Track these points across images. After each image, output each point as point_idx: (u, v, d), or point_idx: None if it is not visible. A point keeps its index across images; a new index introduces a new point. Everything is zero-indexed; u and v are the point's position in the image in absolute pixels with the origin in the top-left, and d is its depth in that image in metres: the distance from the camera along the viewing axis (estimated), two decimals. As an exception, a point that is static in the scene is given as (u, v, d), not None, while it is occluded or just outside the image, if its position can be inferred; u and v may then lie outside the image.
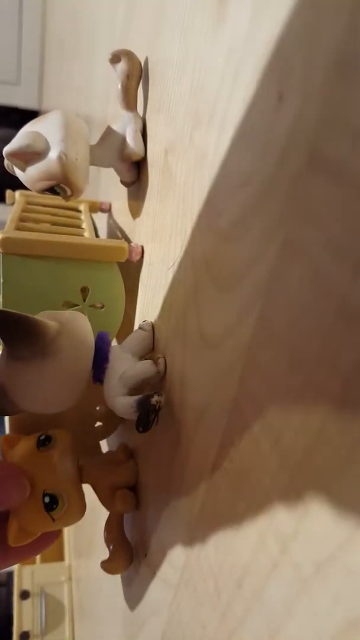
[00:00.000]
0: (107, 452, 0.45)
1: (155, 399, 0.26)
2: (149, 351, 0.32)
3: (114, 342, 0.38)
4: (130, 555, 0.42)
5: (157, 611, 0.33)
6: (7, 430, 0.41)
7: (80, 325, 0.27)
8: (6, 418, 0.40)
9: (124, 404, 0.28)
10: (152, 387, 0.31)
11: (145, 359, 0.30)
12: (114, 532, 0.42)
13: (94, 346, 0.28)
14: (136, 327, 0.38)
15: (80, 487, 0.39)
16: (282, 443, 0.16)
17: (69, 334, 0.25)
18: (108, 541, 0.42)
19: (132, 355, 0.30)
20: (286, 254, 0.16)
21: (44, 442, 0.37)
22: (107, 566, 0.41)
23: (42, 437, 0.37)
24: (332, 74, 0.13)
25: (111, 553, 0.42)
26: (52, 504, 0.36)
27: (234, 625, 0.20)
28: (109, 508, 0.42)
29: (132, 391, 0.28)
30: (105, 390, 0.29)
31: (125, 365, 0.29)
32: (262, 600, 0.17)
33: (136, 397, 0.27)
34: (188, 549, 0.25)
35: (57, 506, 0.37)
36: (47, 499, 0.36)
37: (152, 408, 0.26)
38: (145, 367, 0.29)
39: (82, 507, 0.38)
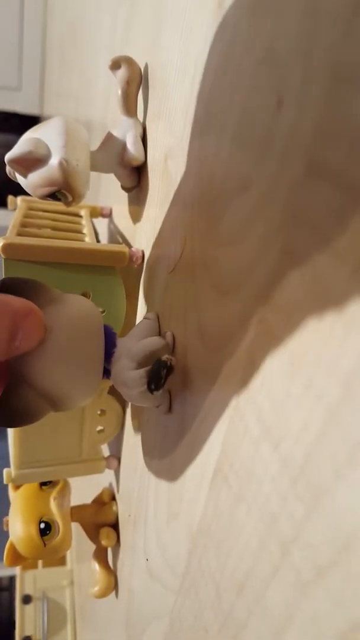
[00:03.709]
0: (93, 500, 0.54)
1: (165, 356, 0.26)
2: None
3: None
4: (114, 581, 0.51)
5: (158, 616, 0.32)
6: (11, 462, 0.43)
7: (83, 299, 0.27)
8: (11, 455, 0.42)
9: (133, 377, 0.27)
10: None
11: None
12: (100, 562, 0.51)
13: (101, 317, 0.27)
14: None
15: (70, 524, 0.48)
16: (283, 448, 0.16)
17: (72, 295, 0.26)
18: (94, 570, 0.51)
19: (138, 341, 0.30)
20: (285, 259, 0.16)
21: (45, 531, 0.46)
22: (94, 591, 0.50)
23: (43, 526, 0.46)
24: (331, 81, 0.13)
25: (97, 580, 0.50)
26: (46, 530, 0.46)
27: (236, 630, 0.20)
28: (95, 543, 0.51)
29: (141, 365, 0.28)
30: (114, 372, 0.28)
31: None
32: (263, 604, 0.17)
33: (146, 368, 0.27)
34: (189, 554, 0.25)
35: (50, 532, 0.45)
36: (42, 525, 0.46)
37: (163, 363, 0.26)
38: (153, 340, 0.28)
39: (69, 541, 0.47)
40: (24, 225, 0.38)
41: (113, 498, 0.52)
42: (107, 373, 0.29)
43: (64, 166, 0.30)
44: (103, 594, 0.50)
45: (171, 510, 0.29)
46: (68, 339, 0.24)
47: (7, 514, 0.49)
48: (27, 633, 1.10)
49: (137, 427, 0.39)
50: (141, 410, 0.37)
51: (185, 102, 0.26)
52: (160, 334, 0.31)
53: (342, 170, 0.13)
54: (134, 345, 0.28)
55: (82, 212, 0.46)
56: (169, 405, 0.29)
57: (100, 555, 0.51)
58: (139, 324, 0.32)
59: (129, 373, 0.27)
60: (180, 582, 0.27)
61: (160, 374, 0.26)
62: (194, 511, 0.25)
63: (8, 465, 0.44)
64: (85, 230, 0.41)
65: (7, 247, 0.31)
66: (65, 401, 0.25)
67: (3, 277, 0.32)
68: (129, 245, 0.41)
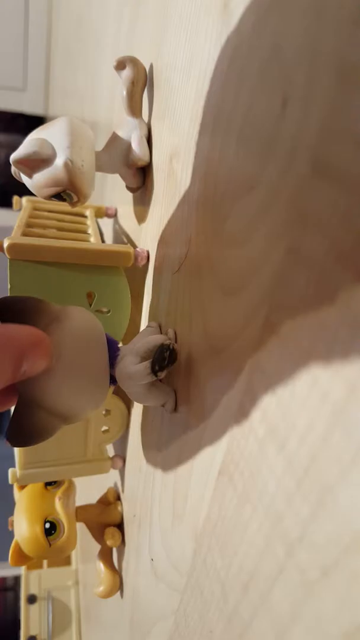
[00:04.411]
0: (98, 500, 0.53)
1: (167, 342, 0.26)
2: None
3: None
4: (118, 581, 0.50)
5: (163, 616, 0.32)
6: (17, 462, 0.43)
7: (81, 310, 0.27)
8: (16, 455, 0.43)
9: (137, 369, 0.27)
10: None
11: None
12: (105, 562, 0.51)
13: (101, 326, 0.27)
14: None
15: (75, 524, 0.48)
16: (288, 448, 0.16)
17: (72, 307, 0.26)
18: (99, 570, 0.51)
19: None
20: (290, 259, 0.16)
21: (50, 531, 0.46)
22: (99, 591, 0.50)
23: (48, 526, 0.46)
24: (335, 81, 0.13)
25: (102, 580, 0.50)
26: (51, 530, 0.45)
27: (241, 629, 0.20)
28: (100, 543, 0.50)
29: (144, 359, 0.28)
30: (118, 370, 0.28)
31: None
32: (268, 604, 0.17)
33: (149, 360, 0.27)
34: (194, 554, 0.25)
35: (55, 532, 0.45)
36: (47, 525, 0.45)
37: (165, 347, 0.26)
38: (155, 337, 0.28)
39: (73, 541, 0.47)
40: (29, 225, 0.38)
41: (118, 498, 0.52)
42: (112, 380, 0.29)
43: (69, 166, 0.30)
44: (108, 594, 0.50)
45: (176, 510, 0.29)
46: (74, 358, 0.24)
47: (12, 514, 0.49)
48: (32, 633, 1.10)
49: (142, 427, 0.39)
50: (146, 411, 0.38)
51: (190, 102, 0.26)
52: None
53: (347, 170, 0.13)
54: (137, 343, 0.29)
55: (87, 213, 0.46)
56: (175, 404, 0.29)
57: (105, 555, 0.51)
58: (141, 332, 0.32)
59: (134, 367, 0.27)
60: (185, 581, 0.27)
61: (163, 355, 0.26)
62: (199, 511, 0.25)
63: (13, 465, 0.44)
64: (90, 231, 0.41)
65: (13, 248, 0.31)
66: (76, 415, 0.25)
67: (8, 279, 0.33)
68: (134, 246, 0.41)
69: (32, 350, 0.21)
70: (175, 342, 0.29)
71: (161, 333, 0.32)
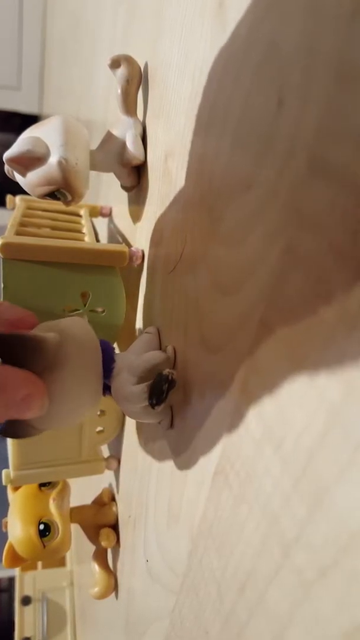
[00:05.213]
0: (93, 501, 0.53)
1: (167, 370, 0.25)
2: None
3: (116, 350, 0.38)
4: (113, 582, 0.50)
5: (159, 617, 0.32)
6: (10, 463, 0.43)
7: (80, 328, 0.26)
8: (10, 456, 0.42)
9: (134, 391, 0.26)
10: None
11: None
12: (100, 563, 0.51)
13: (99, 345, 0.27)
14: (137, 331, 0.38)
15: (69, 525, 0.48)
16: (284, 448, 0.16)
17: (71, 340, 0.25)
18: (94, 571, 0.51)
19: (139, 356, 0.30)
20: (287, 259, 0.16)
21: (44, 532, 0.46)
22: (94, 593, 0.50)
23: (42, 527, 0.46)
24: (331, 80, 0.13)
25: (97, 581, 0.50)
26: (45, 531, 0.46)
27: (237, 630, 0.20)
28: (95, 544, 0.50)
29: (142, 380, 0.27)
30: (114, 388, 0.28)
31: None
32: (265, 605, 0.17)
33: (147, 382, 0.26)
34: (190, 555, 0.25)
35: (50, 533, 0.46)
36: (41, 526, 0.46)
37: (164, 377, 0.25)
38: (154, 354, 0.28)
39: (68, 542, 0.47)
40: (22, 224, 0.38)
41: (113, 499, 0.52)
42: (107, 389, 0.28)
43: (63, 165, 0.30)
44: (103, 595, 0.50)
45: (171, 510, 0.29)
46: (67, 398, 0.24)
47: (6, 516, 0.49)
48: (27, 634, 1.10)
49: (137, 428, 0.39)
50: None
51: (186, 101, 0.25)
52: (161, 348, 0.31)
53: (344, 169, 0.13)
54: (135, 359, 0.28)
55: (82, 212, 0.46)
56: (171, 421, 0.29)
57: (100, 556, 0.51)
58: (139, 338, 0.32)
59: (130, 388, 0.27)
60: (180, 582, 0.27)
61: (161, 387, 0.25)
62: (195, 512, 0.25)
63: (7, 466, 0.44)
64: (84, 230, 0.41)
65: (6, 247, 0.31)
66: (64, 427, 0.26)
67: (1, 278, 0.32)
68: (129, 245, 0.41)
69: (24, 401, 0.21)
70: (175, 359, 0.28)
71: (160, 339, 0.31)
